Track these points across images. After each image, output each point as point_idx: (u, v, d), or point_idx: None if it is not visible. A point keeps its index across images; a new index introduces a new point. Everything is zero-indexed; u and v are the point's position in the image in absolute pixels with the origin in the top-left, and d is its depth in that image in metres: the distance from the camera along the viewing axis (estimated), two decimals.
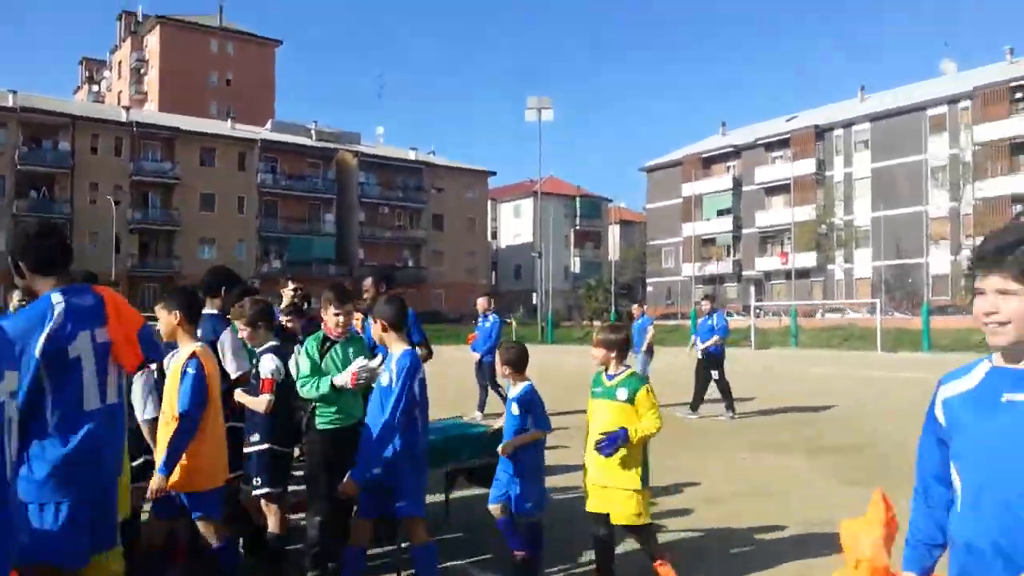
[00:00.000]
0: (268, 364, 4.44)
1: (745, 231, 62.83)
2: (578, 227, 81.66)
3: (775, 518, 6.20)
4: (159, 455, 3.90)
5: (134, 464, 4.24)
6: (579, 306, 69.31)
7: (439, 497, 6.00)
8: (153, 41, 77.16)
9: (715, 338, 12.42)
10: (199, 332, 4.46)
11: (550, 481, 7.30)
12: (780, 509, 6.50)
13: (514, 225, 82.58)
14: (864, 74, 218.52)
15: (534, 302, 55.16)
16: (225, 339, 4.76)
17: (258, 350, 4.59)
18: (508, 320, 53.88)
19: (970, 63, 58.47)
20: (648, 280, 70.56)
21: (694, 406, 12.37)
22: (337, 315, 4.50)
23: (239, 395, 4.56)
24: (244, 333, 4.64)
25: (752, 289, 55.42)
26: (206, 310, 4.91)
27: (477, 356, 12.04)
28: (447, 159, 73.06)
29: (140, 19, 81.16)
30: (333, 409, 4.42)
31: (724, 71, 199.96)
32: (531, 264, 63.14)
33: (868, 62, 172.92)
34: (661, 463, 8.54)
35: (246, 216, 59.54)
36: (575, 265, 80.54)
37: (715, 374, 12.29)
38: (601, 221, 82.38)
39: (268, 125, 66.28)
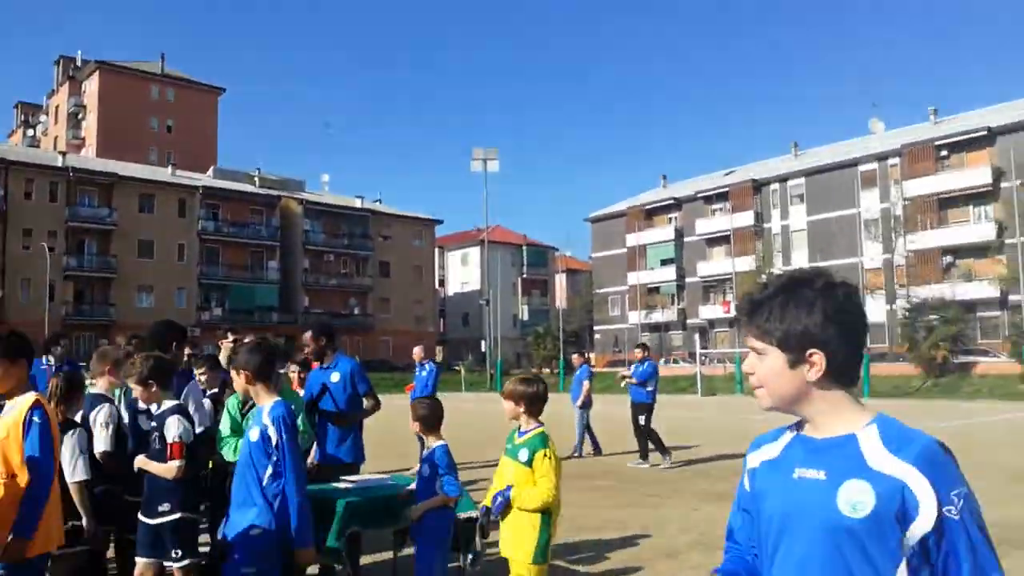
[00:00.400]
0: (175, 427, 4.08)
1: (688, 280, 63.87)
2: (525, 275, 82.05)
3: None
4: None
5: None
6: (528, 353, 69.15)
7: (387, 556, 5.75)
8: (92, 86, 75.80)
9: (625, 373, 12.94)
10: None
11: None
12: None
13: (462, 273, 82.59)
14: (797, 131, 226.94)
15: (483, 349, 54.90)
16: (190, 392, 4.61)
17: (156, 411, 4.24)
18: (457, 367, 53.69)
19: (897, 122, 61.15)
20: (596, 328, 70.93)
21: (643, 455, 12.29)
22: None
23: (141, 461, 4.19)
24: (136, 392, 4.27)
25: (697, 337, 56.11)
26: None
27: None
28: (394, 207, 72.98)
29: (79, 64, 79.76)
30: None
31: (664, 126, 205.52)
32: (479, 312, 63.02)
33: (800, 120, 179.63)
34: (613, 516, 8.43)
35: (186, 263, 58.25)
36: (523, 313, 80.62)
37: (641, 419, 12.21)
38: (547, 269, 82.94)
39: (210, 172, 65.41)
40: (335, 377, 5.58)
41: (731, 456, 13.40)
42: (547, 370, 55.95)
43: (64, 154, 59.76)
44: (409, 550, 5.77)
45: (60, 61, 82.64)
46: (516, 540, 3.83)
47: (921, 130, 53.73)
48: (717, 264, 61.27)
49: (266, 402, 3.76)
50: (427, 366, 12.11)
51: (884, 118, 63.08)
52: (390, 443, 12.16)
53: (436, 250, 76.22)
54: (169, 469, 4.06)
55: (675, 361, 55.75)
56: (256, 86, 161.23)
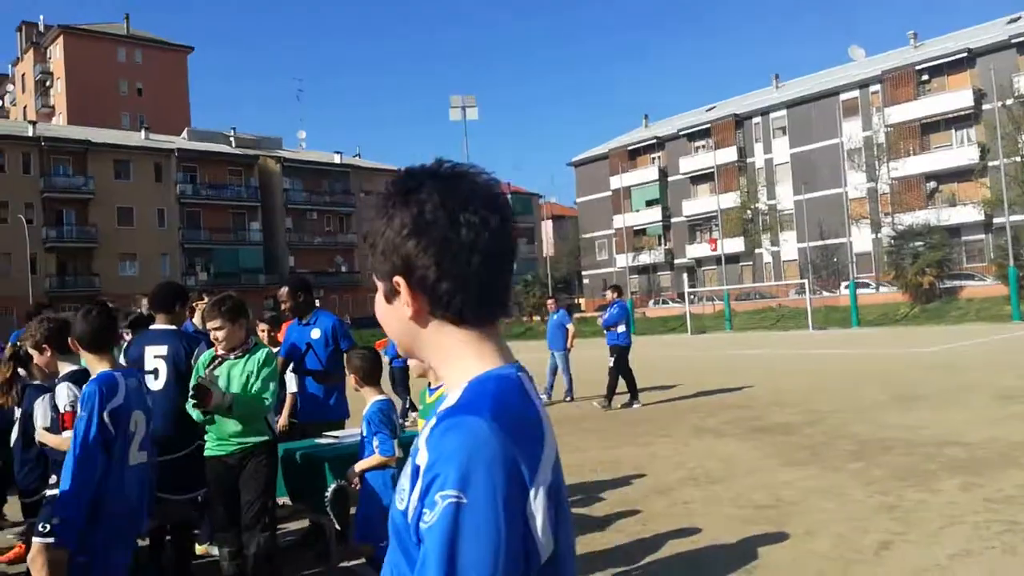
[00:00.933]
0: (64, 396, 3.66)
1: (674, 220, 63.74)
2: (513, 223, 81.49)
3: (724, 504, 6.10)
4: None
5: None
6: (517, 302, 69.22)
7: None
8: (57, 52, 73.83)
9: (568, 330, 13.12)
10: (166, 350, 4.60)
11: None
12: (729, 495, 6.41)
13: None
14: (777, 63, 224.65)
15: None
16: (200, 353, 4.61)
17: (57, 380, 3.88)
18: None
19: (877, 48, 60.52)
20: (584, 272, 71.00)
21: (633, 396, 12.30)
22: (213, 329, 4.13)
23: (42, 435, 3.97)
24: (37, 359, 3.88)
25: (685, 276, 56.24)
26: (162, 326, 4.81)
27: (386, 360, 11.81)
28: (373, 161, 72.07)
29: (42, 30, 77.59)
30: (211, 435, 4.16)
31: (644, 64, 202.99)
32: None
33: (781, 51, 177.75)
34: (605, 455, 8.44)
35: (167, 229, 57.53)
36: None
37: (611, 361, 12.18)
38: (533, 217, 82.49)
39: (184, 134, 64.21)
40: (316, 334, 5.46)
41: (719, 391, 13.46)
42: (537, 317, 56.03)
43: (34, 123, 58.45)
44: None
45: (22, 28, 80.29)
46: None
47: (901, 55, 53.19)
48: (702, 202, 61.09)
49: (93, 370, 3.29)
50: None
51: (864, 45, 62.40)
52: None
53: None
54: (64, 440, 3.57)
55: (664, 302, 55.97)
56: (225, 45, 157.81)
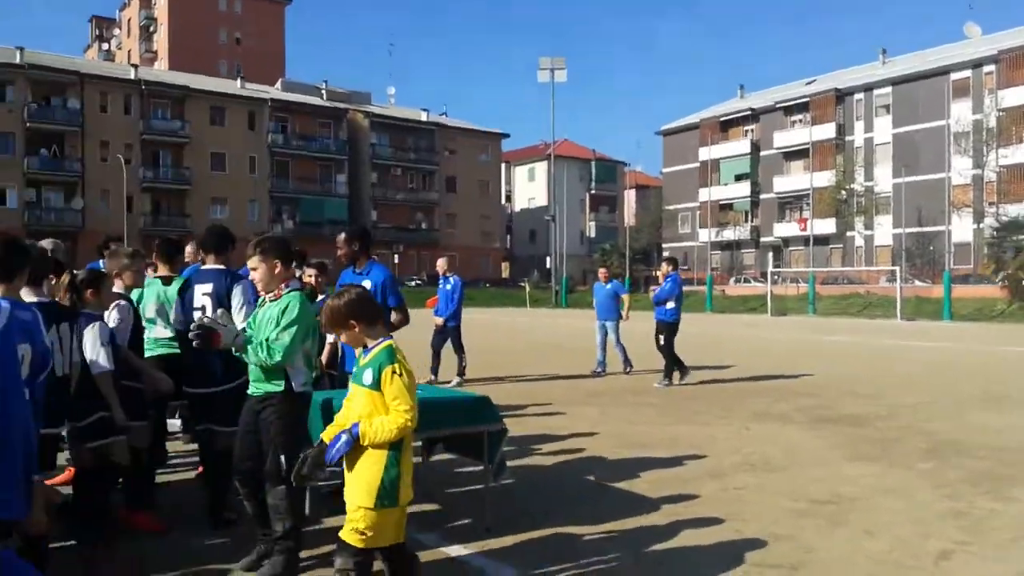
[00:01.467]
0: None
1: (763, 196, 61.82)
2: (593, 191, 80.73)
3: (780, 494, 5.77)
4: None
5: (86, 422, 4.09)
6: (594, 271, 68.45)
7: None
8: None
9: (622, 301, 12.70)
10: (211, 287, 4.84)
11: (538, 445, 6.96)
12: (785, 485, 6.06)
13: (528, 188, 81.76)
14: (885, 37, 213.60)
15: (548, 266, 54.66)
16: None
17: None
18: (522, 283, 53.68)
19: (995, 26, 56.69)
20: (664, 245, 69.74)
21: (667, 375, 11.87)
22: (251, 269, 4.06)
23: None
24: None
25: (770, 255, 54.66)
26: (212, 266, 5.02)
27: (438, 321, 11.70)
28: (460, 121, 72.14)
29: None
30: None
31: (742, 33, 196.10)
32: (546, 228, 62.47)
33: (889, 25, 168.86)
34: (661, 432, 8.16)
35: (257, 176, 59.13)
36: (590, 230, 79.76)
37: (661, 339, 11.68)
38: (616, 185, 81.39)
39: (278, 85, 65.56)
40: (366, 285, 5.34)
41: (790, 376, 12.93)
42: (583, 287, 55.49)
43: (136, 67, 60.65)
44: (441, 457, 5.66)
45: None
46: (355, 479, 3.10)
47: (1020, 34, 49.66)
48: (794, 179, 59.01)
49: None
50: (451, 279, 11.84)
51: (980, 22, 58.57)
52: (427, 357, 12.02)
53: (502, 165, 75.40)
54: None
55: (746, 280, 54.54)
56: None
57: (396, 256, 56.89)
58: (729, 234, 63.16)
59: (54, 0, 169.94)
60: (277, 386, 3.94)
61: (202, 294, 4.85)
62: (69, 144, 52.38)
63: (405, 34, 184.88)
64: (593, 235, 78.42)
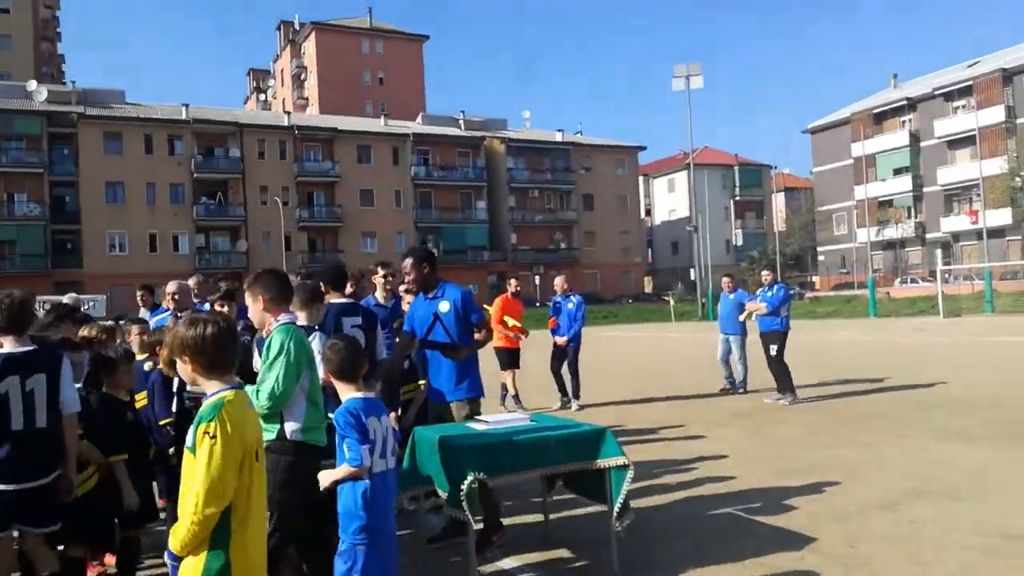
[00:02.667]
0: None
1: (927, 190, 57.32)
2: (738, 197, 77.94)
3: (964, 529, 4.89)
4: None
5: None
6: (742, 280, 66.09)
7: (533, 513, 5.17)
8: (310, 48, 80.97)
9: (754, 304, 11.23)
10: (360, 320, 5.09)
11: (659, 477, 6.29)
12: (971, 517, 5.15)
13: (669, 200, 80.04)
14: None
15: (692, 278, 52.99)
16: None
17: None
18: (666, 297, 52.33)
19: None
20: (819, 248, 66.16)
21: (781, 389, 10.86)
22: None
23: None
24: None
25: (938, 252, 50.35)
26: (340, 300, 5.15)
27: (561, 341, 11.10)
28: (594, 138, 71.76)
29: (297, 27, 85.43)
30: None
31: (891, 17, 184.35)
32: (689, 239, 60.75)
33: None
34: (817, 455, 7.26)
35: (403, 208, 61.18)
36: (736, 238, 76.93)
37: (772, 349, 10.72)
38: (762, 190, 78.22)
39: (419, 119, 67.77)
40: (444, 306, 5.00)
41: (971, 385, 11.49)
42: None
43: (289, 114, 64.50)
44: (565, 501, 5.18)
45: (281, 27, 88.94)
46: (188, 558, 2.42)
47: None
48: (961, 169, 54.34)
49: None
50: (572, 298, 11.31)
51: None
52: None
53: (640, 178, 74.21)
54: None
55: (912, 280, 50.60)
56: (456, 32, 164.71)
57: (537, 278, 57.01)
58: (891, 232, 58.93)
59: (216, 57, 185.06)
60: (270, 433, 3.52)
61: (351, 326, 5.00)
62: (232, 190, 56.26)
63: (538, 57, 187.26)
64: (740, 243, 75.52)
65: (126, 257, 51.31)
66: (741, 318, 11.84)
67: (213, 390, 2.48)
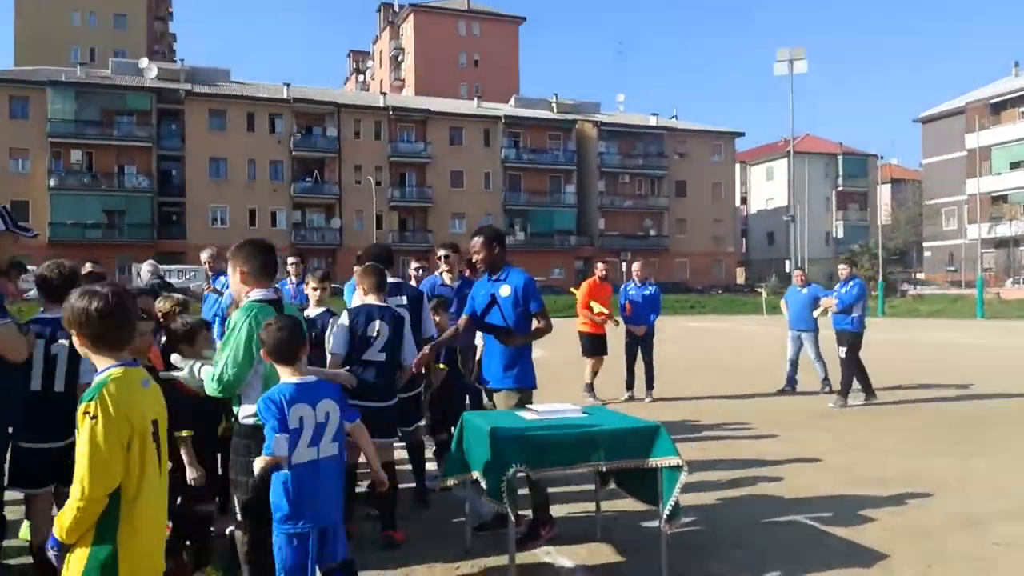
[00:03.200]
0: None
1: None
2: (840, 188, 74.81)
3: None
4: None
5: None
6: (834, 274, 63.59)
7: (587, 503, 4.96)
8: (408, 29, 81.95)
9: (828, 300, 10.54)
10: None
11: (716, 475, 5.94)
12: None
13: (766, 189, 77.52)
14: None
15: (788, 270, 51.23)
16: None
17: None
18: (759, 289, 50.71)
19: None
20: (926, 244, 62.90)
21: (844, 393, 10.19)
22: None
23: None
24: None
25: None
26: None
27: (639, 331, 10.70)
28: (690, 123, 70.07)
29: (396, 10, 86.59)
30: None
31: (1014, 3, 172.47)
32: (785, 230, 58.69)
33: None
34: (904, 467, 6.68)
35: (492, 191, 61.35)
36: (837, 230, 73.95)
37: (841, 351, 10.10)
38: (867, 180, 74.75)
39: (512, 101, 67.69)
40: (505, 291, 4.82)
41: None
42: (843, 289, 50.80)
43: (385, 95, 65.53)
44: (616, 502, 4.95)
45: (381, 8, 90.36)
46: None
47: None
48: None
49: None
50: (651, 286, 10.90)
51: None
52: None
53: (737, 165, 72.10)
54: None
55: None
56: (553, 13, 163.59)
57: (624, 264, 56.27)
58: (1004, 229, 55.42)
59: (318, 38, 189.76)
60: (234, 415, 3.52)
61: (396, 305, 5.20)
62: (328, 169, 57.65)
63: (634, 40, 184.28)
64: (840, 235, 72.56)
65: (226, 230, 53.27)
66: (816, 314, 11.22)
67: (102, 367, 2.36)
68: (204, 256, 8.02)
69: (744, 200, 78.30)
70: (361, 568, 4.25)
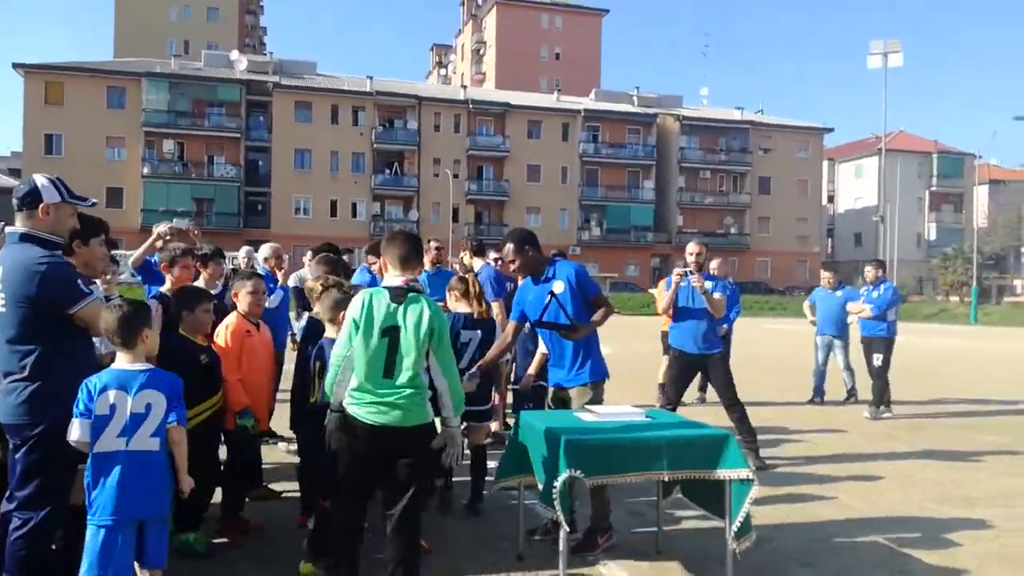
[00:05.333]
0: None
1: None
2: (934, 188, 71.51)
3: None
4: None
5: None
6: (933, 279, 60.75)
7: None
8: (491, 23, 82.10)
9: (863, 306, 9.63)
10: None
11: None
12: None
13: (855, 187, 74.69)
14: None
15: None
16: None
17: None
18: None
19: None
20: None
21: (885, 403, 9.60)
22: None
23: None
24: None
25: None
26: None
27: (720, 329, 10.08)
28: (776, 117, 68.05)
29: (480, 3, 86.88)
30: None
31: None
32: (874, 230, 56.43)
33: None
34: (1001, 484, 6.15)
35: (568, 185, 60.94)
36: (929, 232, 70.79)
37: (876, 359, 9.39)
38: (963, 181, 71.17)
39: (591, 95, 67.06)
40: (558, 287, 4.61)
41: None
42: (955, 298, 48.58)
43: (465, 88, 65.80)
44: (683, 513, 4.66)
45: (464, 2, 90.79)
46: None
47: None
48: None
49: None
50: (729, 283, 10.42)
51: None
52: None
53: (824, 162, 69.66)
54: None
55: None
56: (636, 5, 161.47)
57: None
58: None
59: (400, 33, 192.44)
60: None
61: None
62: (407, 161, 58.29)
63: (720, 33, 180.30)
64: (933, 237, 69.41)
65: (309, 221, 54.51)
66: (849, 320, 10.53)
67: None
68: (266, 252, 7.44)
69: (831, 199, 75.66)
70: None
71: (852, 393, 10.58)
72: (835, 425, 8.93)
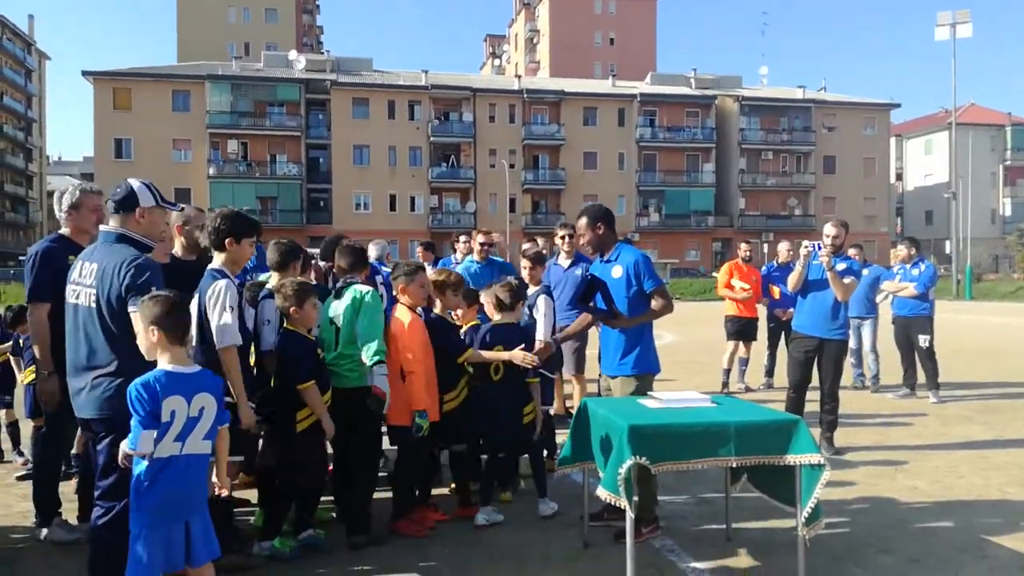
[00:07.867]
0: None
1: None
2: (1008, 162, 68.62)
3: None
4: None
5: None
6: (1009, 256, 58.42)
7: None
8: (544, 11, 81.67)
9: (903, 285, 9.32)
10: None
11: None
12: None
13: (924, 163, 72.17)
14: None
15: (948, 251, 47.61)
16: None
17: None
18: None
19: None
20: None
21: (934, 384, 9.15)
22: None
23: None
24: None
25: None
26: None
27: (786, 314, 9.23)
28: (840, 95, 66.09)
29: None
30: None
31: None
32: (946, 208, 54.48)
33: None
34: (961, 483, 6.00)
35: (626, 171, 60.35)
36: (1004, 207, 68.00)
37: (923, 340, 9.05)
38: None
39: (647, 79, 66.17)
40: (616, 272, 4.55)
41: None
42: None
43: (519, 77, 65.65)
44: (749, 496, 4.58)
45: None
46: None
47: None
48: None
49: None
50: (864, 263, 10.12)
51: None
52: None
53: (892, 139, 67.39)
54: None
55: None
56: None
57: (765, 245, 53.98)
58: None
59: (454, 25, 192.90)
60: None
61: None
62: (463, 153, 58.55)
63: (779, 9, 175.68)
64: (1008, 213, 66.68)
65: (369, 215, 55.27)
66: (879, 299, 10.07)
67: None
68: (375, 252, 7.88)
69: (899, 176, 73.23)
70: (471, 560, 4.16)
71: (876, 380, 10.03)
72: (904, 410, 8.66)
